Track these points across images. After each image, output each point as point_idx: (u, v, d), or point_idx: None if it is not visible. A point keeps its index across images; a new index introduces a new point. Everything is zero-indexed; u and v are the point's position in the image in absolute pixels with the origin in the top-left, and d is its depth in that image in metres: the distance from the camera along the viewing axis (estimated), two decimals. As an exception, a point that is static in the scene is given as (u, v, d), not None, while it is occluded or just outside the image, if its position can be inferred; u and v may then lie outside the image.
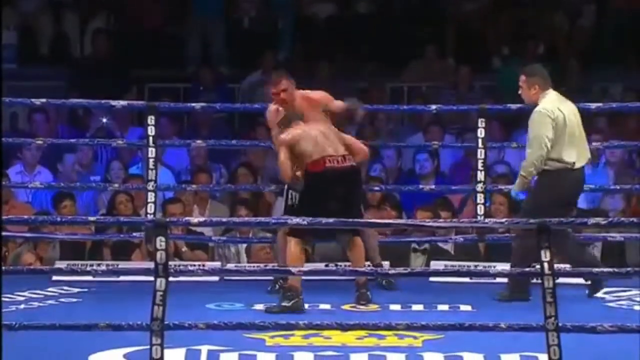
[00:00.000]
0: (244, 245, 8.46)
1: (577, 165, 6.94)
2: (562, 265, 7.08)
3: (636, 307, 7.14)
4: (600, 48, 11.08)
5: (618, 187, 8.57)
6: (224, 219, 7.60)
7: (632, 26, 10.91)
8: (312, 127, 7.07)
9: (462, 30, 11.42)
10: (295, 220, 6.08)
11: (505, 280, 7.14)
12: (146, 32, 11.44)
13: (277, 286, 7.18)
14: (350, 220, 6.42)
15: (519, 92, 7.08)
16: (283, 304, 6.82)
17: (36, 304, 7.16)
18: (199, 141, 8.51)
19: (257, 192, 8.92)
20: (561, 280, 5.78)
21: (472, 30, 11.43)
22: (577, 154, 6.91)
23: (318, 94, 7.28)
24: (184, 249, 8.28)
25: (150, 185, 7.80)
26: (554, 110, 6.89)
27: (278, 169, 7.19)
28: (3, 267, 7.22)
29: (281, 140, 7.07)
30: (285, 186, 7.23)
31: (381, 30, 11.35)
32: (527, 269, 6.61)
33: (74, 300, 7.30)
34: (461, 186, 8.58)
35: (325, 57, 11.10)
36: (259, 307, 7.07)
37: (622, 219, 7.73)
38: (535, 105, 6.98)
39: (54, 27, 11.56)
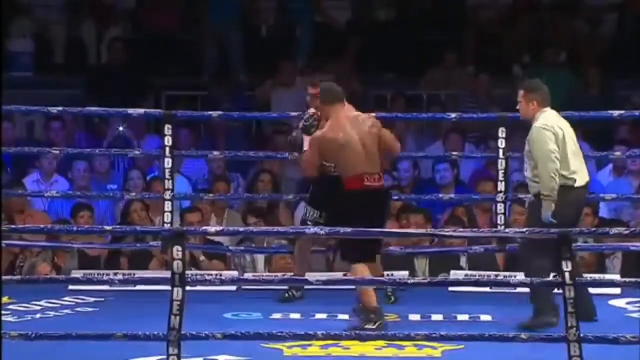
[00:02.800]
0: (262, 255, 8.42)
1: (579, 184, 6.76)
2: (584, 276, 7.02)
3: (659, 318, 7.07)
4: (622, 55, 10.99)
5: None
6: (242, 229, 7.54)
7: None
8: (353, 134, 6.77)
9: (482, 38, 11.36)
10: (313, 230, 6.02)
11: (525, 290, 7.07)
12: (163, 40, 11.42)
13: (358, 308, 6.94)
14: (374, 230, 6.30)
15: (517, 107, 6.96)
16: (367, 326, 6.65)
17: (52, 313, 7.15)
18: (216, 153, 8.47)
19: (275, 202, 8.87)
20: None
21: (492, 38, 11.37)
22: (578, 171, 6.77)
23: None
24: (202, 258, 8.25)
25: (168, 195, 7.77)
26: (554, 126, 6.76)
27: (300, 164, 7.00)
28: (19, 277, 7.22)
29: (317, 138, 6.79)
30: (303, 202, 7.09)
31: (400, 37, 11.30)
32: (548, 279, 6.53)
33: (91, 310, 7.29)
34: (482, 195, 8.50)
35: (343, 63, 11.05)
36: (277, 316, 7.04)
37: (645, 229, 7.63)
38: (531, 121, 6.83)
39: (71, 35, 11.55)
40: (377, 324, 6.63)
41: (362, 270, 6.68)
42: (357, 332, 5.96)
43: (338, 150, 6.73)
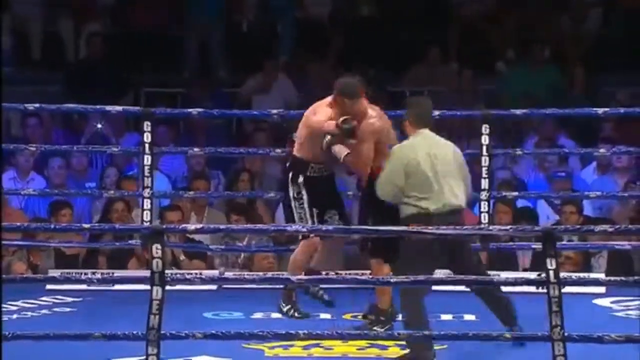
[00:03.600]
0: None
1: (432, 210, 6.26)
2: (567, 274, 6.98)
3: (644, 317, 7.04)
4: (607, 52, 10.97)
5: (626, 194, 8.45)
6: (222, 226, 7.47)
7: (638, 29, 10.80)
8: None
9: (466, 34, 11.31)
10: (294, 227, 5.94)
11: (510, 288, 7.02)
12: (143, 36, 11.33)
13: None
14: (368, 227, 6.23)
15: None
16: (375, 328, 6.62)
17: (29, 313, 7.11)
18: (196, 149, 8.39)
19: (253, 200, 8.80)
20: (566, 289, 5.66)
21: (476, 34, 11.32)
22: (429, 197, 6.25)
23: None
24: (182, 257, 8.18)
25: (146, 192, 7.69)
26: (408, 153, 6.32)
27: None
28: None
29: (373, 128, 6.63)
30: (292, 193, 6.89)
31: (382, 33, 11.23)
32: (533, 277, 6.48)
33: (68, 309, 7.24)
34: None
35: (325, 60, 10.98)
36: (258, 316, 6.99)
37: (630, 226, 7.60)
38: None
39: (48, 30, 11.44)
40: (385, 328, 6.60)
41: (385, 272, 6.61)
42: (339, 332, 5.88)
43: (387, 139, 6.67)
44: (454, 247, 6.21)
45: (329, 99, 6.81)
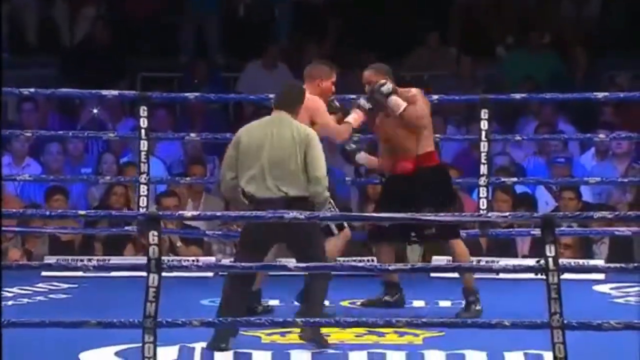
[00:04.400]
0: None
1: (257, 196, 6.03)
2: (566, 260, 6.95)
3: (644, 304, 7.01)
4: (607, 36, 10.91)
5: (626, 180, 8.41)
6: (219, 213, 7.43)
7: (638, 13, 10.74)
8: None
9: (466, 18, 11.25)
10: (292, 214, 5.88)
11: (509, 275, 6.99)
12: (139, 20, 11.27)
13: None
14: (346, 214, 6.21)
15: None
16: (385, 298, 6.78)
17: (25, 300, 7.07)
18: (192, 134, 8.34)
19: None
20: (566, 276, 5.62)
21: (476, 18, 11.26)
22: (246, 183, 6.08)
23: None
24: (179, 243, 8.14)
25: (143, 178, 7.64)
26: (241, 133, 6.15)
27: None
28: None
29: (416, 93, 6.70)
30: None
31: (382, 17, 11.17)
32: (532, 264, 6.44)
33: (64, 296, 7.21)
34: (464, 179, 8.40)
35: (323, 44, 10.92)
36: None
37: (630, 212, 7.55)
38: None
39: (43, 15, 11.37)
40: (394, 297, 6.79)
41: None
42: (336, 319, 5.85)
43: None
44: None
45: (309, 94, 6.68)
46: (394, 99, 6.73)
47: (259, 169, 6.04)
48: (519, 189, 8.62)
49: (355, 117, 6.75)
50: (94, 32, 10.91)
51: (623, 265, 6.05)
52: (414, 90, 6.81)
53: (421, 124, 6.73)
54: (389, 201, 6.71)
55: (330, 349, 5.98)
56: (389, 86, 6.74)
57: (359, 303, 6.76)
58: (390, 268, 5.93)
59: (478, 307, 6.69)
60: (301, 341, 6.02)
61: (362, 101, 6.81)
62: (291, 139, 6.03)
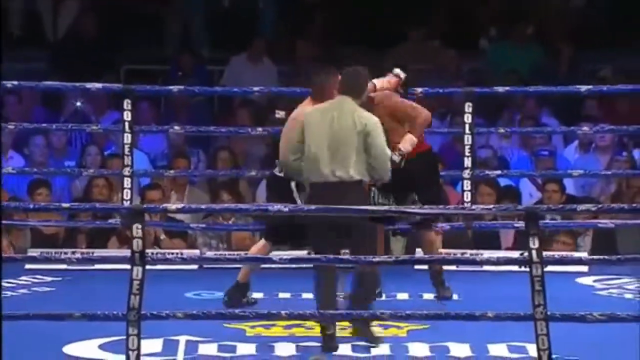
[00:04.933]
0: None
1: (313, 180, 6.08)
2: (550, 253, 6.97)
3: (627, 296, 7.06)
4: (591, 29, 10.93)
5: (609, 172, 8.43)
6: (203, 206, 7.42)
7: (623, 6, 10.76)
8: None
9: (450, 11, 11.24)
10: (277, 207, 5.88)
11: (493, 267, 7.01)
12: (124, 12, 11.22)
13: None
14: (350, 207, 6.19)
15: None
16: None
17: (9, 293, 7.02)
18: (176, 127, 8.33)
19: (236, 178, 8.74)
20: (549, 268, 5.63)
21: (460, 11, 11.26)
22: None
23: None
24: (163, 236, 8.13)
25: (127, 171, 7.63)
26: (305, 115, 6.19)
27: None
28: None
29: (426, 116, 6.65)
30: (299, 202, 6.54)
31: (365, 10, 11.16)
32: (516, 257, 6.47)
33: (48, 289, 7.20)
34: (448, 172, 8.41)
35: (308, 37, 10.90)
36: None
37: (613, 205, 7.58)
38: None
39: (27, 7, 11.31)
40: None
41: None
42: (322, 312, 5.85)
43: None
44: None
45: (307, 101, 6.64)
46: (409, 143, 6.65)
47: (317, 152, 6.05)
48: (503, 181, 8.64)
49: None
50: (79, 24, 10.87)
51: (606, 257, 6.08)
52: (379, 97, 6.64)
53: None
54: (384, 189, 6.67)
55: (314, 342, 5.98)
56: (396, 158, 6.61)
57: (342, 296, 6.75)
58: (374, 260, 5.92)
59: (447, 286, 6.79)
60: (352, 335, 6.00)
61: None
62: (352, 125, 6.04)
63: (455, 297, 6.94)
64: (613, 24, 10.85)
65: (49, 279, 7.35)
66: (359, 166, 6.02)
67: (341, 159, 6.01)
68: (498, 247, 8.26)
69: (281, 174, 6.47)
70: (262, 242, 6.70)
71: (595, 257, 6.44)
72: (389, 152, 6.14)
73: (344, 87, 6.17)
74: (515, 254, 6.84)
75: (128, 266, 5.51)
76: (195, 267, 7.60)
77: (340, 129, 6.03)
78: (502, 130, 8.60)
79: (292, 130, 6.25)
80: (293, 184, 6.54)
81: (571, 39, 10.80)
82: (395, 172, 6.34)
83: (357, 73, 6.25)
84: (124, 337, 5.50)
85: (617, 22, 10.78)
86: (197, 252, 8.00)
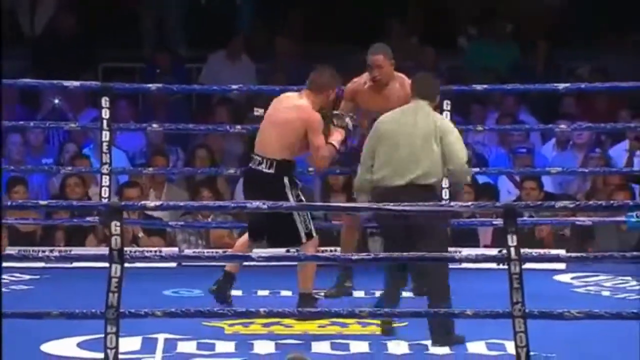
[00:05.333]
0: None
1: (384, 184, 6.15)
2: (528, 250, 6.98)
3: (604, 293, 7.08)
4: (568, 27, 10.96)
5: (586, 170, 8.47)
6: (182, 203, 7.41)
7: (600, 5, 10.80)
8: None
9: (427, 8, 11.25)
10: (255, 204, 5.87)
11: (470, 265, 7.01)
12: (101, 10, 11.17)
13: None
14: (318, 204, 6.22)
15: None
16: (347, 284, 6.82)
17: (-14, 291, 6.97)
18: (155, 125, 8.31)
19: (214, 176, 8.73)
20: (527, 265, 5.65)
21: (438, 8, 11.27)
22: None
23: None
24: (141, 234, 8.11)
25: (105, 169, 7.61)
26: (381, 120, 6.31)
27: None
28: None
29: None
30: (292, 198, 6.55)
31: (343, 6, 11.16)
32: (494, 254, 6.47)
33: (25, 287, 7.17)
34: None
35: (287, 34, 10.89)
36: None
37: (590, 202, 7.61)
38: None
39: (2, 4, 11.23)
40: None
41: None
42: (300, 309, 5.86)
43: None
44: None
45: (294, 93, 6.65)
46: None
47: (391, 157, 6.10)
48: (481, 179, 8.66)
49: (339, 140, 6.65)
50: (57, 22, 10.82)
51: (583, 254, 6.10)
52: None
53: None
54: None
55: (293, 340, 5.98)
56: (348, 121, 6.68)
57: (322, 293, 6.75)
58: (353, 258, 5.92)
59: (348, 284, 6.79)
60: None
61: (348, 121, 6.74)
62: (427, 128, 6.10)
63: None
64: (590, 22, 10.88)
65: (27, 277, 7.34)
66: (434, 169, 6.09)
67: (415, 163, 6.06)
68: (476, 244, 8.28)
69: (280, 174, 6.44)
70: (245, 237, 6.69)
71: (573, 254, 6.46)
72: (465, 155, 6.21)
73: (418, 91, 6.24)
74: (494, 252, 6.85)
75: (106, 264, 5.48)
76: (173, 264, 7.59)
77: (418, 133, 6.09)
78: (480, 128, 8.62)
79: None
80: (286, 180, 6.53)
81: (549, 37, 10.83)
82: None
83: (429, 77, 6.40)
84: (103, 335, 5.47)
85: (594, 21, 10.82)
86: (175, 249, 7.98)
